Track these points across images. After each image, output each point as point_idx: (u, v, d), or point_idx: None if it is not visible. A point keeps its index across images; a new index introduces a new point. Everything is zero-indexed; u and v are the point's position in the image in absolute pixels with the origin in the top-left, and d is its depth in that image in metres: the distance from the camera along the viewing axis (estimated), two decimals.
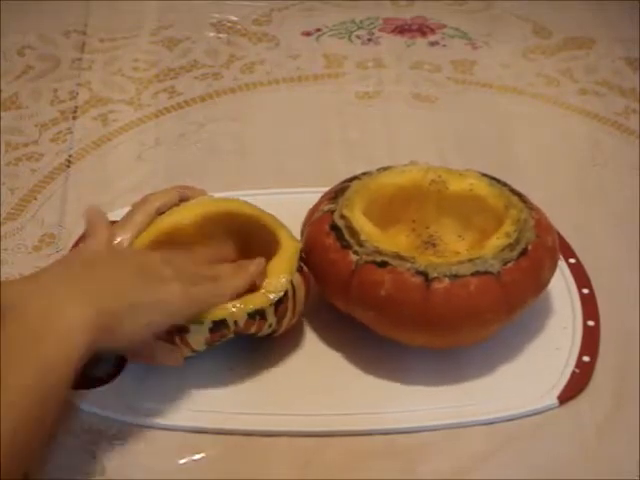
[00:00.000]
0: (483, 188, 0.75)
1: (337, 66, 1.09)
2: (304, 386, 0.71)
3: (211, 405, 0.69)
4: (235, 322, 0.67)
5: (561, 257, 0.81)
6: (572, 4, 1.19)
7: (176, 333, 0.67)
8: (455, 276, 0.67)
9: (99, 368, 0.71)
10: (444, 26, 1.16)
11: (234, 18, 1.17)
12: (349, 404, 0.70)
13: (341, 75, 1.08)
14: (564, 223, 0.84)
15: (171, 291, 0.64)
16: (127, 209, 0.76)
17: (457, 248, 0.76)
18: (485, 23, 1.16)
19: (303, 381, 0.71)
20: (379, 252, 0.69)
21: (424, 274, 0.67)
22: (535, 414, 0.69)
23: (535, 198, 0.87)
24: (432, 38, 1.14)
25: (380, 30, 1.15)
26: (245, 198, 0.77)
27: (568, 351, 0.73)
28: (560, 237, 0.83)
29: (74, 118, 1.00)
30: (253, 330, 0.68)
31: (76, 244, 0.82)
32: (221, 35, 1.14)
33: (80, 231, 0.84)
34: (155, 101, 1.03)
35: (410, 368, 0.72)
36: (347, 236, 0.70)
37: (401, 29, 1.15)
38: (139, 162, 0.94)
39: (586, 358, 0.73)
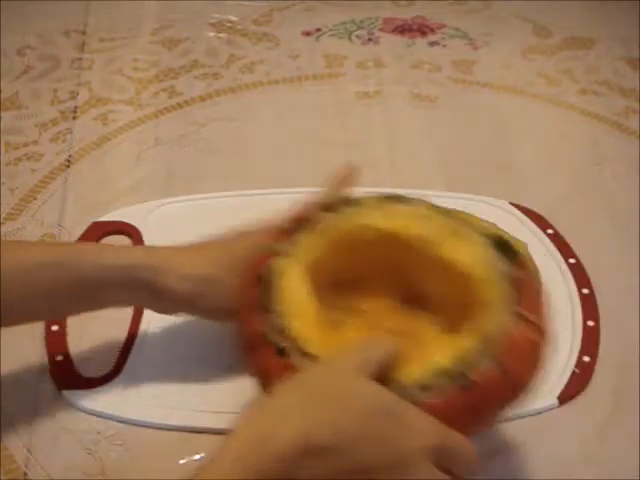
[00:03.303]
0: (478, 266, 0.58)
1: (337, 66, 1.09)
2: None
3: (211, 405, 0.69)
4: None
5: (561, 257, 0.81)
6: (572, 4, 1.19)
7: None
8: None
9: (99, 368, 0.72)
10: (444, 26, 1.16)
11: (234, 18, 1.17)
12: None
13: (341, 75, 1.08)
14: (564, 223, 0.84)
15: None
16: (126, 209, 0.76)
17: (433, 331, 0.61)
18: (485, 23, 1.16)
19: None
20: (286, 336, 0.56)
21: None
22: (535, 414, 0.69)
23: (534, 198, 0.88)
24: (432, 38, 1.14)
25: (380, 30, 1.15)
26: (245, 198, 0.77)
27: (568, 351, 0.73)
28: (560, 237, 0.83)
29: (74, 118, 1.00)
30: None
31: None
32: (221, 35, 1.14)
33: (80, 231, 0.84)
34: (155, 101, 1.03)
35: None
36: (268, 296, 0.58)
37: (401, 29, 1.15)
38: (139, 162, 0.94)
39: (586, 358, 0.73)
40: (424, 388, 0.53)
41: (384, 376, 0.53)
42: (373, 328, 0.62)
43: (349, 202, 0.62)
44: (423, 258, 0.60)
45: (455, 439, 0.52)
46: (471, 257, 0.58)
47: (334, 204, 0.62)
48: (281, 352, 0.56)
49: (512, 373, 0.54)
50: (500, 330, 0.54)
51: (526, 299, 0.56)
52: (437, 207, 0.62)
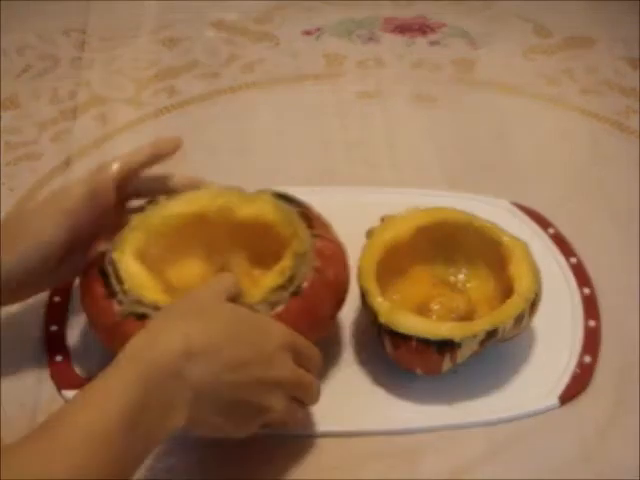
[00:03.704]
0: (270, 213, 0.72)
1: (337, 66, 1.09)
2: None
3: None
4: (504, 329, 0.67)
5: (562, 257, 0.81)
6: (572, 4, 1.19)
7: (448, 350, 0.67)
8: None
9: (98, 368, 0.71)
10: (444, 25, 1.15)
11: (234, 18, 1.17)
12: (349, 405, 0.70)
13: (341, 75, 1.08)
14: (564, 223, 0.84)
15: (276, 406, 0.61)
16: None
17: (254, 275, 0.73)
18: (485, 23, 1.16)
19: None
20: (140, 302, 0.66)
21: None
22: (536, 414, 0.69)
23: (535, 198, 0.88)
24: (432, 37, 1.13)
25: (380, 29, 1.15)
26: None
27: (569, 351, 0.73)
28: (561, 237, 0.83)
29: (74, 118, 1.00)
30: (512, 334, 0.69)
31: None
32: (221, 35, 1.14)
33: None
34: (155, 100, 1.03)
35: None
36: (114, 283, 0.67)
37: (401, 28, 1.15)
38: None
39: (587, 358, 0.73)
40: (268, 304, 0.65)
41: (234, 300, 0.64)
42: None
43: (153, 202, 0.74)
44: (229, 225, 0.73)
45: (302, 340, 0.64)
46: (265, 210, 0.72)
47: (143, 205, 0.74)
48: (142, 317, 0.65)
49: (327, 273, 0.68)
50: (307, 247, 0.68)
51: (317, 224, 0.71)
52: (225, 186, 0.75)
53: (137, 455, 0.55)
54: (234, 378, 0.59)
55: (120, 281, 0.67)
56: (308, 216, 0.72)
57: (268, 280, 0.67)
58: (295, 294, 0.66)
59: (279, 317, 0.64)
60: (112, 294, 0.67)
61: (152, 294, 0.67)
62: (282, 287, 0.66)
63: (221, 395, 0.58)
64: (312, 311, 0.67)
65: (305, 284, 0.66)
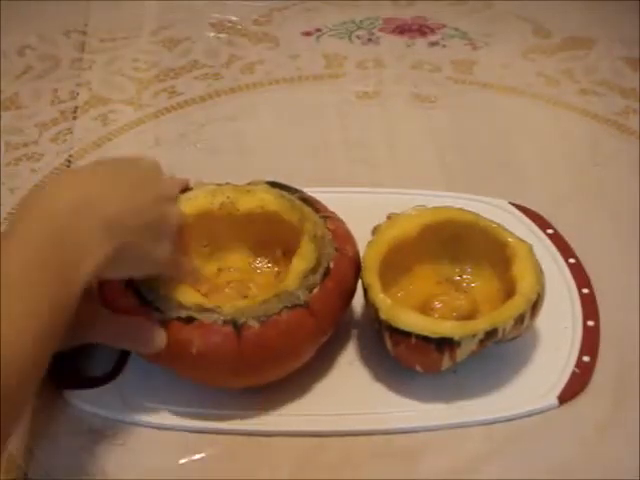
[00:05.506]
0: (273, 202, 0.73)
1: (337, 66, 1.09)
2: (304, 386, 0.71)
3: (211, 405, 0.69)
4: (504, 329, 0.67)
5: (561, 257, 0.81)
6: (572, 4, 1.19)
7: (447, 348, 0.67)
8: (264, 317, 0.65)
9: (98, 368, 0.72)
10: (444, 26, 1.16)
11: (234, 18, 1.17)
12: (349, 404, 0.70)
13: (341, 75, 1.08)
14: (564, 223, 0.84)
15: (165, 248, 0.64)
16: None
17: (260, 267, 0.76)
18: (485, 23, 1.16)
19: (303, 381, 0.71)
20: (182, 306, 0.65)
21: (232, 322, 0.64)
22: (535, 414, 0.69)
23: (535, 198, 0.88)
24: (432, 38, 1.14)
25: (380, 30, 1.15)
26: None
27: (568, 351, 0.73)
28: (560, 237, 0.83)
29: (74, 118, 1.00)
30: (513, 335, 0.69)
31: None
32: (221, 35, 1.14)
33: None
34: (155, 101, 1.03)
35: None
36: (144, 292, 0.66)
37: (401, 29, 1.15)
38: None
39: (586, 358, 0.73)
40: (305, 288, 0.67)
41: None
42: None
43: None
44: (232, 219, 0.74)
45: None
46: (267, 200, 0.74)
47: None
48: (189, 320, 0.64)
49: (346, 251, 0.71)
50: (323, 230, 0.71)
51: (320, 207, 0.73)
52: (219, 183, 0.75)
53: (58, 299, 0.54)
54: (134, 204, 0.61)
55: (151, 288, 0.66)
56: (309, 200, 0.74)
57: (298, 266, 0.68)
58: (325, 275, 0.68)
59: (318, 298, 0.67)
60: (147, 303, 0.66)
61: (191, 294, 0.67)
62: (313, 270, 0.68)
63: (128, 221, 0.60)
64: (342, 288, 0.69)
65: (332, 264, 0.69)
